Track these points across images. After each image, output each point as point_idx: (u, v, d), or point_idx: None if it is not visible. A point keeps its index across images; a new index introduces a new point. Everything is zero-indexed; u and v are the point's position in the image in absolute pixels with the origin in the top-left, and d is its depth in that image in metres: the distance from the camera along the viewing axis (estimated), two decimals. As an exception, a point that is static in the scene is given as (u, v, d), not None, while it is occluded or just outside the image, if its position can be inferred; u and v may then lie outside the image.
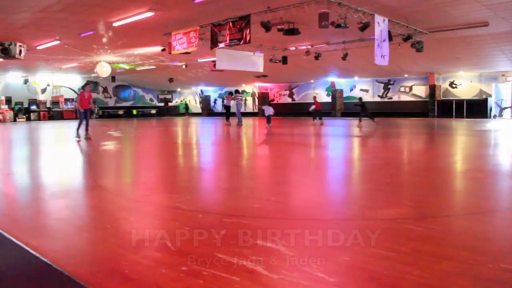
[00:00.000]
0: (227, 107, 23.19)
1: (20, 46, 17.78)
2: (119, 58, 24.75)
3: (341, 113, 30.98)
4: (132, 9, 13.48)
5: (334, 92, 31.05)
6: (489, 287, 2.27)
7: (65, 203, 4.33)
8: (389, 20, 14.20)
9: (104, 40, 18.14)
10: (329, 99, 31.66)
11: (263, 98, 35.82)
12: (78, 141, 12.11)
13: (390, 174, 6.05)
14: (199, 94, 41.03)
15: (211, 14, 14.27)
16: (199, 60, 24.78)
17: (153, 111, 40.46)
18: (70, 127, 22.49)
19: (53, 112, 34.02)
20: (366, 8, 13.22)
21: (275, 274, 2.41)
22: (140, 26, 15.55)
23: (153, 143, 12.95)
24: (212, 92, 40.41)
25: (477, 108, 24.58)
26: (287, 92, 35.19)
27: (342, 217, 3.73)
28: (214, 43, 15.40)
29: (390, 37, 14.75)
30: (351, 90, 31.16)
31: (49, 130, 20.32)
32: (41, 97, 34.09)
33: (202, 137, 15.01)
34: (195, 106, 41.87)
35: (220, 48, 16.40)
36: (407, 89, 28.37)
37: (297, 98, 34.51)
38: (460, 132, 14.65)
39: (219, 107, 39.26)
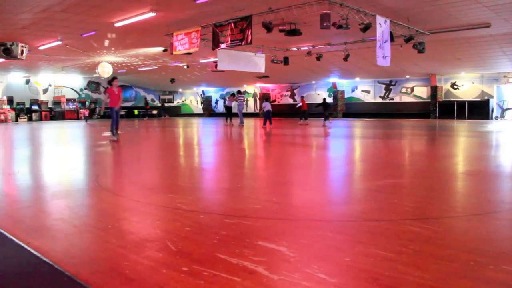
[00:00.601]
0: (228, 108, 23.29)
1: (22, 46, 17.83)
2: (121, 58, 24.78)
3: (342, 114, 30.96)
4: (134, 9, 13.51)
5: (335, 93, 31.05)
6: (490, 288, 2.27)
7: (66, 203, 4.33)
8: (390, 21, 14.20)
9: (106, 43, 18.16)
10: (330, 100, 31.66)
11: (265, 99, 35.81)
12: (114, 140, 11.80)
13: (391, 175, 6.04)
14: (201, 95, 41.06)
15: (213, 14, 14.29)
16: (201, 61, 24.81)
17: (154, 112, 40.48)
18: (72, 127, 22.55)
19: (54, 112, 34.09)
20: (367, 9, 13.23)
21: (276, 275, 2.40)
22: (142, 26, 15.58)
23: (155, 144, 12.96)
24: (214, 92, 40.45)
25: (478, 109, 24.56)
26: (289, 92, 35.20)
27: (343, 218, 3.73)
28: (215, 43, 15.41)
29: (392, 38, 14.75)
30: (353, 91, 31.17)
31: (50, 130, 20.35)
32: (43, 97, 34.16)
33: (202, 138, 15.01)
34: (197, 106, 41.90)
35: (222, 48, 16.43)
36: (409, 90, 28.36)
37: (299, 99, 34.49)
38: (462, 133, 14.63)
39: (220, 108, 39.30)
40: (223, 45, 15.33)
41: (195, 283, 2.32)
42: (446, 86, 26.53)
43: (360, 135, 14.58)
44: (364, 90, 30.68)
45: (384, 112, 28.77)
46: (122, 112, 37.85)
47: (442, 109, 25.96)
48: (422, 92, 27.64)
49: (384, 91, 29.60)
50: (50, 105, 34.20)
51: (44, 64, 26.74)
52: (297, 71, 27.40)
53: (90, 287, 2.26)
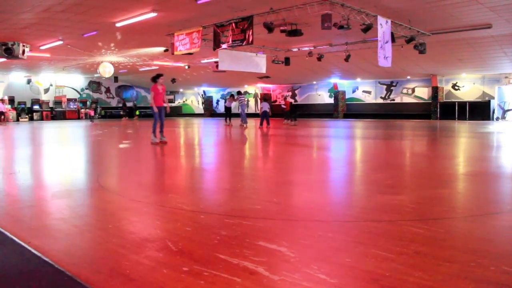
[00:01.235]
0: (227, 109, 23.43)
1: (23, 46, 17.86)
2: (122, 58, 24.80)
3: (343, 115, 30.96)
4: (135, 9, 13.52)
5: (336, 93, 31.04)
6: (491, 289, 2.26)
7: (67, 203, 4.33)
8: (392, 21, 14.20)
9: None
10: (331, 100, 31.66)
11: (263, 99, 35.84)
12: (157, 143, 10.93)
13: (392, 176, 6.04)
14: (202, 95, 41.09)
15: (214, 15, 14.30)
16: (202, 61, 24.82)
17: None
18: (73, 126, 22.57)
19: (55, 112, 34.12)
20: (369, 10, 13.23)
21: (277, 275, 2.40)
22: (143, 26, 15.59)
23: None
24: (215, 93, 40.47)
25: (479, 110, 24.53)
26: (290, 93, 35.18)
27: (344, 218, 3.73)
28: (216, 44, 15.42)
29: (393, 39, 14.76)
30: (354, 91, 31.17)
31: (52, 130, 20.36)
32: (44, 97, 34.20)
33: (203, 138, 15.02)
34: (198, 106, 41.93)
35: (223, 49, 16.44)
36: (410, 91, 28.35)
37: (300, 99, 34.51)
38: (463, 134, 14.62)
39: (221, 108, 39.32)
40: (224, 46, 15.34)
41: (195, 283, 2.32)
42: (447, 87, 26.52)
43: (361, 136, 14.58)
44: (365, 91, 30.67)
45: (385, 113, 28.75)
46: (123, 112, 37.92)
47: (443, 110, 25.93)
48: (423, 93, 27.62)
49: (385, 92, 29.59)
50: (51, 105, 34.24)
51: (45, 64, 26.77)
52: (298, 72, 27.40)
53: (91, 287, 2.26)
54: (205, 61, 24.41)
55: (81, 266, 2.58)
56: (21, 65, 27.04)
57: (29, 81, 33.02)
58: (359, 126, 20.16)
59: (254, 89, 36.87)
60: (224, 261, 2.62)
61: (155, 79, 11.31)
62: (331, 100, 31.70)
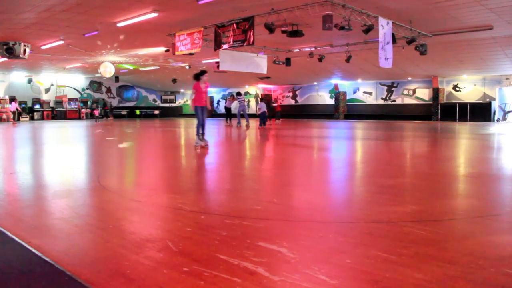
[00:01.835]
0: (227, 109, 23.52)
1: (25, 45, 17.88)
2: (123, 58, 24.83)
3: (344, 115, 30.97)
4: (136, 9, 13.54)
5: (337, 94, 31.05)
6: (491, 291, 2.26)
7: (68, 202, 4.33)
8: (393, 22, 14.21)
9: (115, 45, 18.20)
10: (332, 101, 31.67)
11: (260, 100, 35.88)
12: (203, 146, 10.03)
13: (392, 177, 6.04)
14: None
15: (215, 15, 14.31)
16: (203, 61, 24.84)
17: (156, 112, 40.56)
18: (74, 126, 22.58)
19: (56, 112, 34.16)
20: (370, 11, 13.24)
21: (277, 276, 2.40)
22: (144, 26, 15.60)
23: (155, 144, 12.97)
24: (215, 93, 40.49)
25: (480, 112, 24.54)
26: (290, 93, 35.21)
27: (344, 219, 3.72)
28: (217, 44, 15.44)
29: (394, 40, 14.76)
30: (354, 92, 31.18)
31: (53, 129, 20.37)
32: (45, 97, 34.24)
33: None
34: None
35: (224, 49, 16.44)
36: (411, 92, 28.35)
37: (300, 100, 34.54)
38: (463, 135, 14.61)
39: (222, 109, 39.35)
40: (225, 46, 15.35)
41: (195, 283, 2.32)
42: (448, 88, 26.52)
43: (362, 137, 14.58)
44: (366, 92, 30.68)
45: (385, 114, 28.75)
46: (124, 112, 37.96)
47: (444, 111, 25.94)
48: (424, 94, 27.63)
49: (386, 93, 29.59)
50: (52, 105, 34.27)
51: (46, 63, 26.80)
52: (299, 72, 27.42)
53: (91, 287, 2.27)
54: (206, 61, 24.42)
55: (81, 266, 2.58)
56: (22, 65, 27.07)
57: (30, 81, 33.05)
58: (359, 127, 20.16)
59: (255, 89, 36.87)
60: (224, 262, 2.62)
61: (198, 76, 10.25)
62: (332, 101, 31.72)
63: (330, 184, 5.90)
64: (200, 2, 12.63)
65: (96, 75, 32.21)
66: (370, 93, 30.50)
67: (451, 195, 4.90)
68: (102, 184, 5.44)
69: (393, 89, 29.20)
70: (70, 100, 35.11)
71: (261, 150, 10.90)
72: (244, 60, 19.53)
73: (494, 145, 11.38)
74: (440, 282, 2.30)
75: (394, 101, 29.17)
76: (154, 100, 42.48)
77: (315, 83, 32.93)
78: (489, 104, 24.40)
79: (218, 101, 40.45)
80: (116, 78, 33.64)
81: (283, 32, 15.02)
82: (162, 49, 20.78)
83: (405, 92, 28.62)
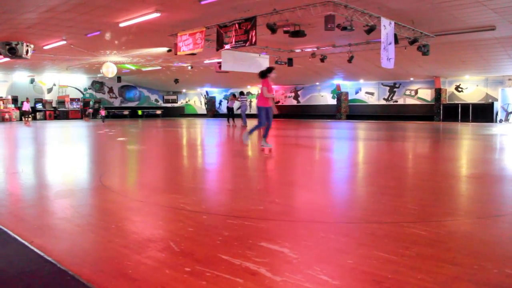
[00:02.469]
0: (229, 109, 23.46)
1: (27, 45, 17.92)
2: (125, 58, 24.86)
3: (346, 116, 30.94)
4: (139, 9, 13.55)
5: (339, 94, 31.03)
6: (493, 292, 2.26)
7: (70, 202, 4.34)
8: (395, 23, 14.20)
9: (109, 37, 18.19)
10: (334, 102, 31.65)
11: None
12: (267, 149, 9.25)
13: (394, 177, 6.03)
14: (205, 95, 41.13)
15: (217, 15, 14.32)
16: (205, 62, 24.85)
17: (158, 112, 40.61)
18: (77, 126, 22.62)
19: (58, 112, 34.22)
20: (372, 11, 13.22)
21: (278, 276, 2.40)
22: (146, 26, 15.62)
23: (158, 144, 12.98)
24: (218, 93, 40.52)
25: (483, 112, 24.48)
26: (293, 94, 35.21)
27: (346, 220, 3.72)
28: (220, 44, 15.45)
29: (396, 40, 14.75)
30: (357, 92, 31.15)
31: (56, 129, 20.41)
32: (47, 97, 34.32)
33: (202, 138, 15.02)
34: (200, 107, 41.98)
35: (226, 49, 16.45)
36: (413, 93, 28.31)
37: (302, 100, 34.53)
38: (466, 136, 14.59)
39: (224, 109, 39.37)
40: (227, 46, 15.36)
41: (197, 283, 2.32)
42: (450, 89, 26.48)
43: (363, 137, 14.56)
44: (368, 92, 30.65)
45: (388, 114, 28.72)
46: (126, 112, 37.98)
47: (446, 112, 25.90)
48: (426, 94, 27.58)
49: (388, 93, 29.56)
50: (54, 105, 34.33)
51: (48, 63, 26.84)
52: (301, 73, 27.41)
53: (93, 287, 2.27)
54: (208, 61, 24.43)
55: (83, 265, 2.58)
56: (24, 65, 27.13)
57: (32, 81, 33.12)
58: (361, 128, 20.14)
59: (257, 90, 36.86)
60: (226, 262, 2.62)
61: (265, 73, 9.44)
62: (334, 101, 31.69)
63: (332, 184, 5.90)
64: (203, 2, 12.64)
65: (98, 75, 32.25)
66: (372, 94, 30.47)
67: (453, 196, 4.90)
68: (104, 184, 5.44)
69: (395, 89, 29.16)
70: (72, 100, 35.17)
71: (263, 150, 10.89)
72: (246, 60, 19.54)
73: (497, 146, 11.35)
74: (442, 283, 2.30)
75: (396, 101, 29.13)
76: (156, 100, 42.53)
77: (317, 83, 32.91)
78: (492, 104, 24.34)
79: (220, 101, 40.47)
80: (118, 78, 33.69)
81: (285, 32, 15.03)
82: (164, 49, 20.80)
83: (407, 92, 28.58)
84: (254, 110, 36.38)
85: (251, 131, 9.68)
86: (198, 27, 15.71)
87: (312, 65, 24.28)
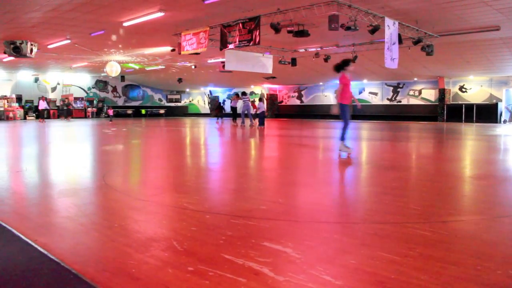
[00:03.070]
0: (233, 108, 23.49)
1: (31, 44, 17.96)
2: (129, 57, 24.89)
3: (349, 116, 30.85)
4: (143, 9, 13.56)
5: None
6: (497, 293, 2.25)
7: (73, 201, 4.35)
8: (399, 23, 14.16)
9: (115, 39, 18.22)
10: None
11: (272, 100, 35.87)
12: (348, 153, 8.35)
13: (398, 177, 6.02)
14: (208, 95, 41.16)
15: (221, 15, 14.31)
16: (209, 61, 24.86)
17: (162, 111, 40.64)
18: (80, 125, 22.67)
19: (62, 111, 34.29)
20: (376, 11, 13.19)
21: (282, 276, 2.40)
22: (150, 26, 15.63)
23: (162, 143, 13.00)
24: (221, 93, 40.52)
25: (487, 113, 24.40)
26: (296, 94, 35.18)
27: (349, 220, 3.72)
28: (223, 44, 15.44)
29: (400, 40, 14.71)
30: (360, 92, 31.09)
31: (59, 128, 20.46)
32: (51, 96, 34.39)
33: (203, 138, 15.04)
34: (204, 106, 42.01)
35: (230, 49, 16.45)
36: (417, 93, 28.24)
37: (306, 100, 34.49)
38: (470, 136, 14.54)
39: (227, 108, 39.38)
40: (231, 46, 15.35)
41: (200, 283, 2.32)
42: (454, 89, 26.39)
43: (367, 137, 14.54)
44: (371, 92, 30.59)
45: (391, 115, 28.65)
46: (129, 111, 38.02)
47: (450, 112, 25.81)
48: (430, 94, 27.50)
49: (391, 94, 29.50)
50: (58, 103, 34.41)
51: (52, 62, 26.91)
52: (304, 73, 27.38)
53: (96, 285, 2.27)
54: (212, 61, 24.44)
55: (87, 264, 2.59)
56: (29, 64, 27.21)
57: (36, 80, 33.20)
58: (365, 128, 20.11)
59: (260, 89, 36.87)
60: (229, 261, 2.62)
61: (342, 66, 8.60)
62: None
63: (335, 184, 5.89)
64: (206, 2, 12.64)
65: (102, 74, 32.31)
66: (375, 94, 30.41)
67: (456, 196, 4.89)
68: (108, 183, 5.45)
69: (399, 89, 29.09)
70: (76, 99, 35.25)
71: (265, 150, 10.89)
72: (250, 60, 19.52)
73: (501, 147, 11.32)
74: (445, 284, 2.30)
75: (400, 101, 29.06)
76: (160, 100, 42.57)
77: (321, 83, 32.87)
78: (496, 105, 24.26)
79: (224, 100, 40.48)
80: (122, 77, 33.75)
81: (289, 32, 15.01)
82: (168, 48, 20.82)
83: (411, 92, 28.51)
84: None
85: (343, 137, 8.36)
86: (202, 27, 15.71)
87: (315, 65, 24.25)
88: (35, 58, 20.16)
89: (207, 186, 5.75)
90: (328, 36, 16.88)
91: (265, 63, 20.23)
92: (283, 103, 36.09)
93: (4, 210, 4.05)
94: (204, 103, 42.06)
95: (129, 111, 38.48)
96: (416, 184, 5.78)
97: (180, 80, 33.78)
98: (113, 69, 25.22)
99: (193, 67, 27.78)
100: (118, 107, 38.68)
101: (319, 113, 32.76)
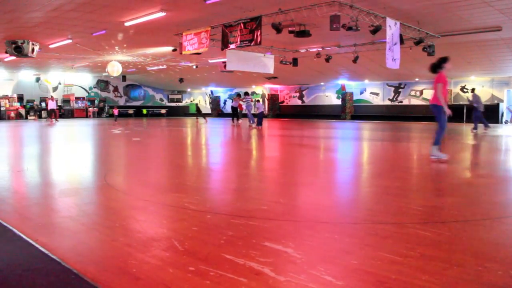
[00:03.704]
0: (234, 109, 23.50)
1: (33, 44, 17.98)
2: (130, 57, 24.90)
3: (351, 116, 30.87)
4: (144, 9, 13.57)
5: (344, 95, 30.97)
6: (498, 294, 2.25)
7: (74, 201, 4.36)
8: (400, 23, 14.15)
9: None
10: (339, 102, 31.59)
11: (257, 100, 35.90)
12: (441, 160, 7.48)
13: (399, 178, 6.01)
14: (209, 95, 41.17)
15: (222, 15, 14.31)
16: (210, 61, 24.86)
17: (163, 111, 40.65)
18: (81, 125, 22.68)
19: (64, 110, 34.32)
20: (377, 11, 13.18)
21: (282, 276, 2.40)
22: (152, 26, 15.64)
23: (164, 143, 13.01)
24: (222, 93, 40.53)
25: (488, 113, 24.30)
26: (297, 94, 35.17)
27: (350, 220, 3.72)
28: (225, 44, 15.44)
29: (402, 41, 14.70)
30: (361, 93, 31.07)
31: (60, 128, 20.48)
32: (53, 95, 34.39)
33: (209, 138, 15.04)
34: (205, 106, 42.02)
35: (231, 49, 16.44)
36: (418, 93, 28.22)
37: (307, 100, 34.48)
38: (471, 137, 14.51)
39: (229, 108, 39.38)
40: (232, 46, 15.35)
41: (201, 283, 2.32)
42: (456, 90, 26.37)
43: (368, 138, 14.53)
44: (373, 93, 30.57)
45: (393, 115, 28.61)
46: (131, 111, 38.02)
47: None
48: (431, 95, 27.43)
49: (393, 94, 29.47)
50: (59, 103, 34.44)
51: (54, 62, 26.93)
52: (306, 73, 27.37)
53: (97, 285, 2.28)
54: (213, 61, 24.44)
55: (88, 264, 2.59)
56: (30, 63, 27.24)
57: (38, 79, 33.23)
58: (366, 128, 20.09)
59: (261, 89, 36.87)
60: (230, 261, 2.63)
61: (438, 65, 7.96)
62: (339, 102, 31.62)
63: (336, 185, 5.89)
64: (208, 2, 12.64)
65: (104, 74, 32.32)
66: (377, 94, 30.38)
67: (458, 197, 4.88)
68: (109, 182, 5.46)
69: (400, 90, 29.07)
70: (77, 98, 35.29)
71: (266, 150, 10.89)
72: (251, 60, 19.51)
73: (502, 147, 11.30)
74: (446, 284, 2.29)
75: (401, 102, 29.04)
76: (161, 100, 42.60)
77: (322, 83, 32.86)
78: (497, 106, 24.22)
79: (225, 100, 40.49)
80: (123, 77, 33.77)
81: (290, 32, 15.00)
82: (169, 48, 20.83)
83: (412, 93, 28.48)
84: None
85: (437, 142, 7.70)
86: (203, 27, 15.71)
87: (317, 65, 24.23)
88: (36, 58, 20.17)
89: (208, 186, 5.75)
90: (329, 36, 16.87)
91: (267, 63, 20.21)
92: (284, 103, 36.08)
93: (5, 209, 4.06)
94: (206, 103, 42.06)
95: (130, 111, 38.48)
96: (417, 185, 5.78)
97: (181, 80, 33.79)
98: (114, 69, 25.22)
99: (194, 67, 27.80)
100: (120, 107, 38.65)
101: (321, 113, 32.75)
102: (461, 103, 25.80)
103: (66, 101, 34.79)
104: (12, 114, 30.29)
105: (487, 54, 19.64)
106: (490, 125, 16.83)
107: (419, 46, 16.46)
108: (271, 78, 28.32)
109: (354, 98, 31.34)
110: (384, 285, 2.28)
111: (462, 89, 26.07)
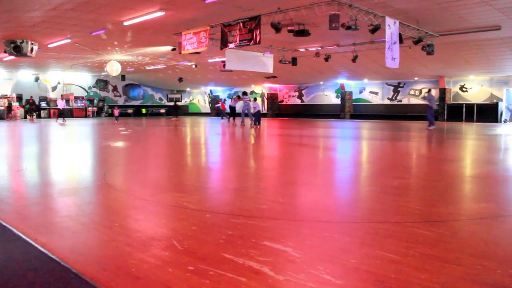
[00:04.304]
0: (232, 108, 23.60)
1: (32, 44, 17.95)
2: (129, 57, 24.88)
3: (350, 115, 30.87)
4: (143, 8, 13.55)
5: (343, 94, 30.97)
6: (497, 293, 2.25)
7: (74, 200, 4.36)
8: (400, 22, 14.14)
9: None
10: (338, 101, 31.58)
11: (272, 99, 35.87)
12: None
13: (398, 177, 6.02)
14: (208, 94, 41.14)
15: (221, 14, 14.29)
16: (209, 60, 24.85)
17: (162, 110, 40.61)
18: (81, 125, 22.67)
19: (63, 110, 34.26)
20: (377, 11, 13.17)
21: (282, 275, 2.40)
22: (151, 25, 15.62)
23: (164, 142, 13.00)
24: (221, 92, 40.50)
25: (487, 112, 24.36)
26: (296, 93, 35.15)
27: (349, 219, 3.72)
28: (224, 43, 15.42)
29: (401, 40, 14.69)
30: (361, 92, 31.06)
31: (60, 128, 20.47)
32: (52, 95, 34.37)
33: (207, 138, 15.03)
34: (204, 106, 42.00)
35: (230, 48, 16.43)
36: (417, 92, 28.21)
37: (306, 100, 34.46)
38: (470, 136, 14.53)
39: (228, 108, 39.35)
40: (231, 45, 15.33)
41: (200, 282, 2.32)
42: (455, 89, 26.36)
43: (367, 137, 14.54)
44: (372, 92, 30.55)
45: (392, 114, 28.61)
46: (130, 111, 38.01)
47: (450, 112, 25.77)
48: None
49: (392, 93, 29.46)
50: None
51: (53, 62, 26.90)
52: (305, 72, 27.36)
53: (97, 285, 2.28)
54: (212, 60, 24.43)
55: (87, 263, 2.59)
56: (29, 63, 27.20)
57: (37, 79, 33.17)
58: (365, 127, 20.10)
59: (260, 89, 36.85)
60: (229, 261, 2.63)
61: None
62: (338, 101, 31.61)
63: (335, 184, 5.89)
64: (207, 1, 12.62)
65: (103, 73, 32.29)
66: (376, 93, 30.37)
67: (457, 196, 4.88)
68: (108, 182, 5.46)
69: (399, 89, 29.07)
70: (76, 98, 35.25)
71: (265, 150, 10.89)
72: (250, 59, 19.50)
73: (501, 146, 11.31)
74: (445, 283, 2.30)
75: (401, 101, 29.03)
76: (160, 99, 42.56)
77: (321, 82, 32.84)
78: (496, 105, 24.23)
79: (224, 100, 40.44)
80: (123, 77, 33.72)
81: (290, 31, 14.99)
82: (168, 48, 20.81)
83: (412, 92, 28.47)
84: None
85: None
86: (203, 26, 15.69)
87: (316, 65, 24.23)
88: (35, 57, 20.15)
89: (208, 185, 5.75)
90: (328, 35, 16.86)
91: (266, 62, 20.20)
92: (283, 103, 36.05)
93: (4, 209, 4.06)
94: (205, 103, 42.04)
95: (130, 111, 38.43)
96: (416, 184, 5.78)
97: (180, 79, 33.76)
98: (113, 68, 25.18)
99: (193, 66, 27.78)
100: (119, 106, 38.60)
101: (320, 112, 32.73)
102: (460, 102, 25.82)
103: (65, 100, 34.72)
104: (12, 113, 30.22)
105: (486, 53, 19.64)
106: (488, 124, 16.89)
107: (418, 45, 16.46)
108: (270, 78, 28.31)
109: (353, 97, 31.33)
110: (384, 284, 2.28)
111: (461, 88, 26.08)
